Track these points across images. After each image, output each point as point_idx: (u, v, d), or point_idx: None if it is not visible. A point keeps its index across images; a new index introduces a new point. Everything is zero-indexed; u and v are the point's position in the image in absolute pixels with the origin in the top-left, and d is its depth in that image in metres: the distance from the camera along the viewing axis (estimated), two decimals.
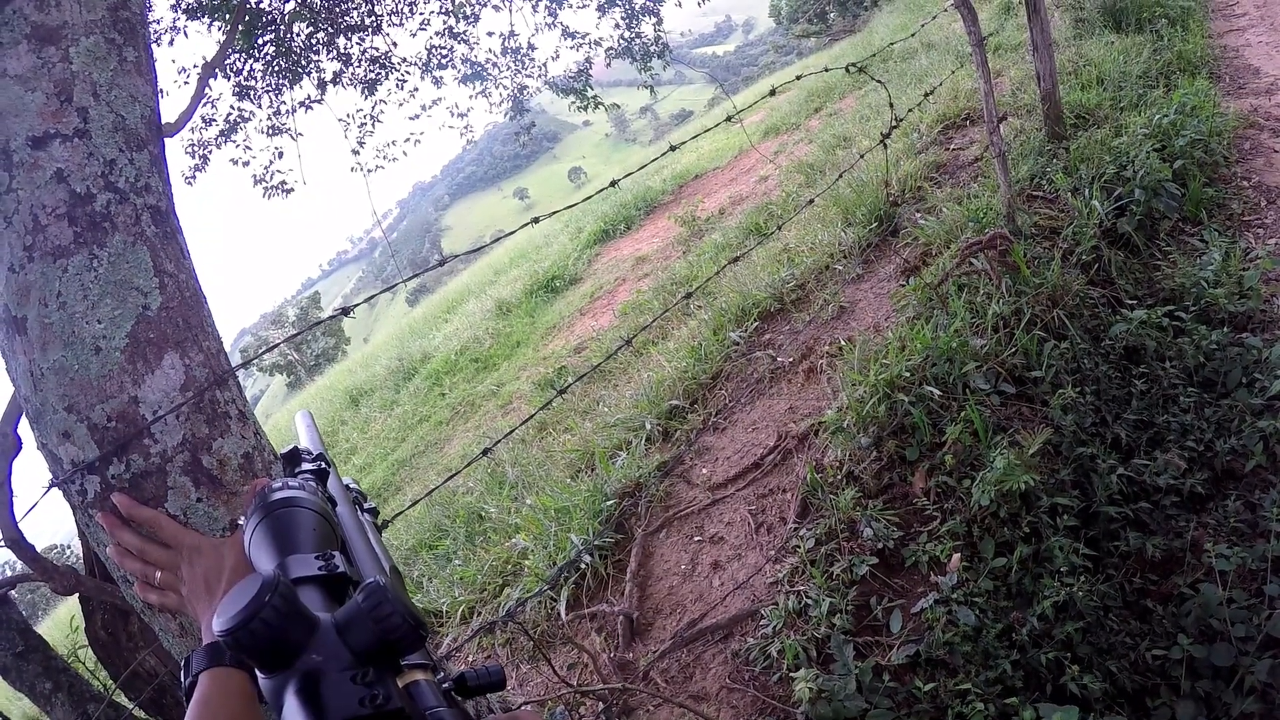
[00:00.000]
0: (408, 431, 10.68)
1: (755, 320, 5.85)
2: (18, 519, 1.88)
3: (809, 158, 10.20)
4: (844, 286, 5.69)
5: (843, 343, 4.78)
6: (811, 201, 5.66)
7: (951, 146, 7.34)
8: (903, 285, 5.08)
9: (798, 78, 4.01)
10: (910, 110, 6.18)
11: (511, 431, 3.58)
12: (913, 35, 7.00)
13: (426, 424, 10.40)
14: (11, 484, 1.87)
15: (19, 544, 1.90)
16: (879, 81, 4.13)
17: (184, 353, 1.42)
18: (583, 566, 4.17)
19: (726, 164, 14.41)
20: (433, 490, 3.03)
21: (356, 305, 2.25)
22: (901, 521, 3.47)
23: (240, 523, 1.09)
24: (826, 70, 4.36)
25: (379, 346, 20.05)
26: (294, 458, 1.27)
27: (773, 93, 3.77)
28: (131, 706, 2.47)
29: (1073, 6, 9.41)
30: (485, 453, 2.84)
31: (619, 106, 9.57)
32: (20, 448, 1.82)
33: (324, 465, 1.26)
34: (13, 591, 2.54)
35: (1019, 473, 3.22)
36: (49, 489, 1.48)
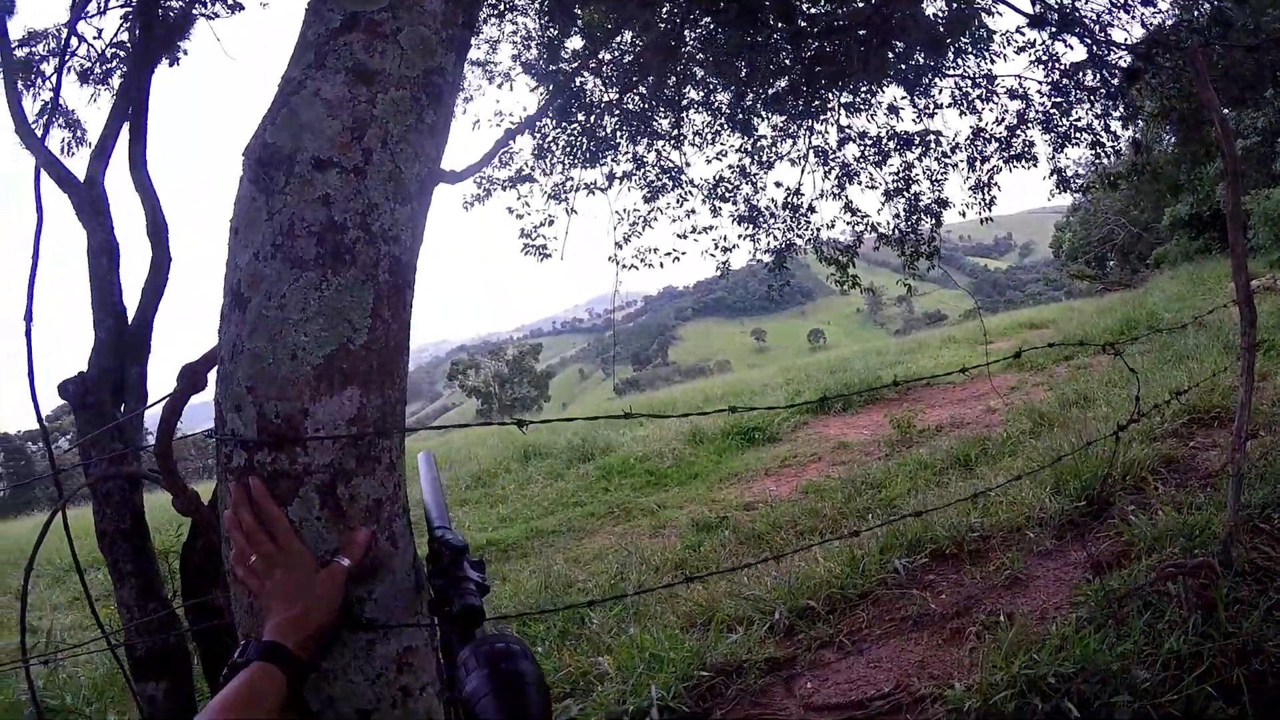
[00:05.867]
0: (559, 508, 10.77)
1: (926, 556, 5.58)
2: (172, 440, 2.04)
3: (1043, 405, 9.90)
4: (1028, 556, 5.36)
5: (1002, 618, 4.49)
6: (1019, 478, 5.43)
7: (1191, 444, 6.86)
8: (1088, 580, 4.75)
9: (1050, 345, 3.89)
10: (1156, 405, 5.85)
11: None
12: (1195, 319, 6.62)
13: (580, 509, 10.47)
14: (181, 413, 2.03)
15: (165, 458, 2.02)
16: (1132, 370, 3.95)
17: (366, 392, 1.50)
18: None
19: (960, 382, 14.05)
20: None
21: (554, 422, 2.31)
22: None
23: (339, 561, 1.42)
24: (1081, 344, 4.22)
25: (557, 420, 20.43)
26: (460, 555, 1.53)
27: (1018, 355, 3.65)
28: (185, 628, 2.57)
29: None
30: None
31: (874, 292, 9.62)
32: (203, 389, 1.97)
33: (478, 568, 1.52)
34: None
35: None
36: (209, 437, 1.60)
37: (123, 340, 3.00)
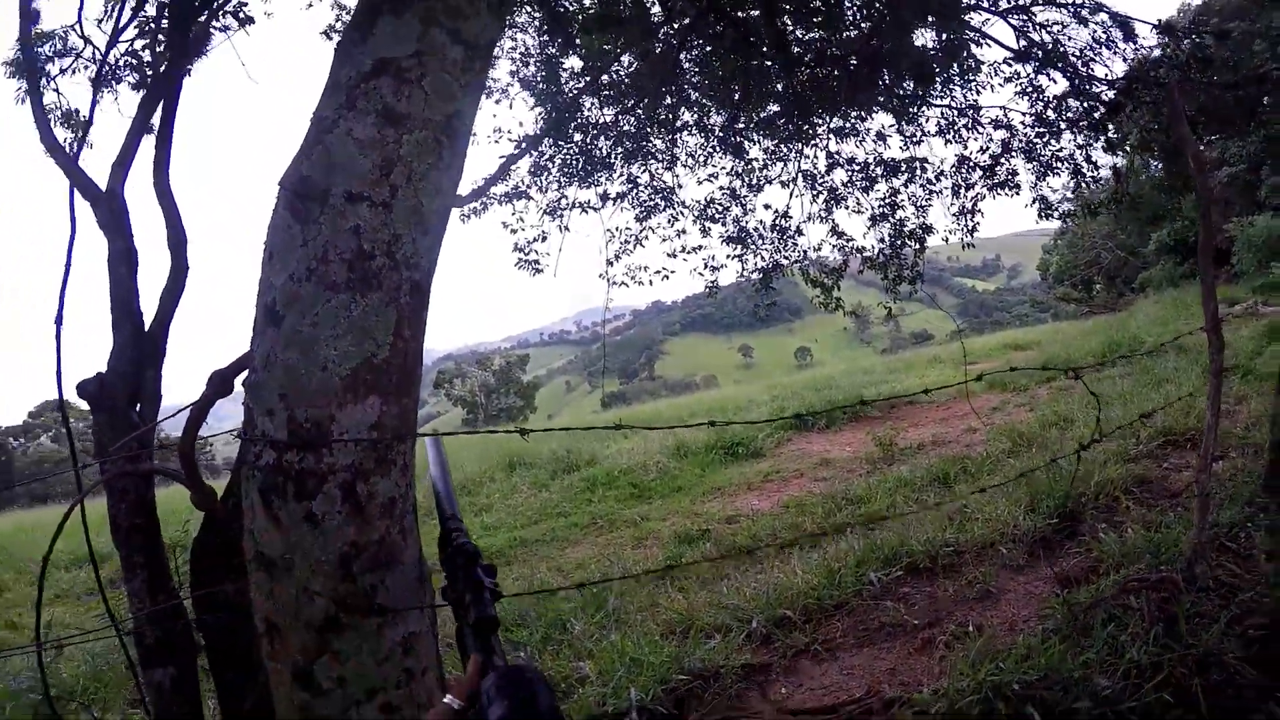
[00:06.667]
0: (543, 517, 10.86)
1: (901, 570, 5.74)
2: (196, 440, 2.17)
3: (1023, 426, 10.10)
4: (1000, 571, 5.53)
5: (971, 628, 4.66)
6: (982, 490, 5.61)
7: (1165, 465, 7.03)
8: (1056, 594, 4.91)
9: (1012, 369, 4.05)
10: (1119, 427, 6.05)
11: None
12: (1169, 341, 6.82)
13: (563, 520, 10.55)
14: (207, 415, 2.17)
15: (188, 458, 2.15)
16: (1094, 394, 4.12)
17: (386, 401, 1.68)
18: None
19: (944, 401, 14.22)
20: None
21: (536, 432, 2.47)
22: None
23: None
24: (1045, 369, 4.38)
25: (561, 429, 20.43)
26: (475, 561, 1.56)
27: (980, 378, 3.81)
28: (190, 616, 2.71)
29: None
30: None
31: (857, 315, 9.74)
32: (230, 393, 2.13)
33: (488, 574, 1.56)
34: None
35: None
36: (236, 436, 1.79)
37: (140, 345, 3.16)
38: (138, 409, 3.11)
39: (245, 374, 1.77)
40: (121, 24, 4.69)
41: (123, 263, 3.22)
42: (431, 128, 1.74)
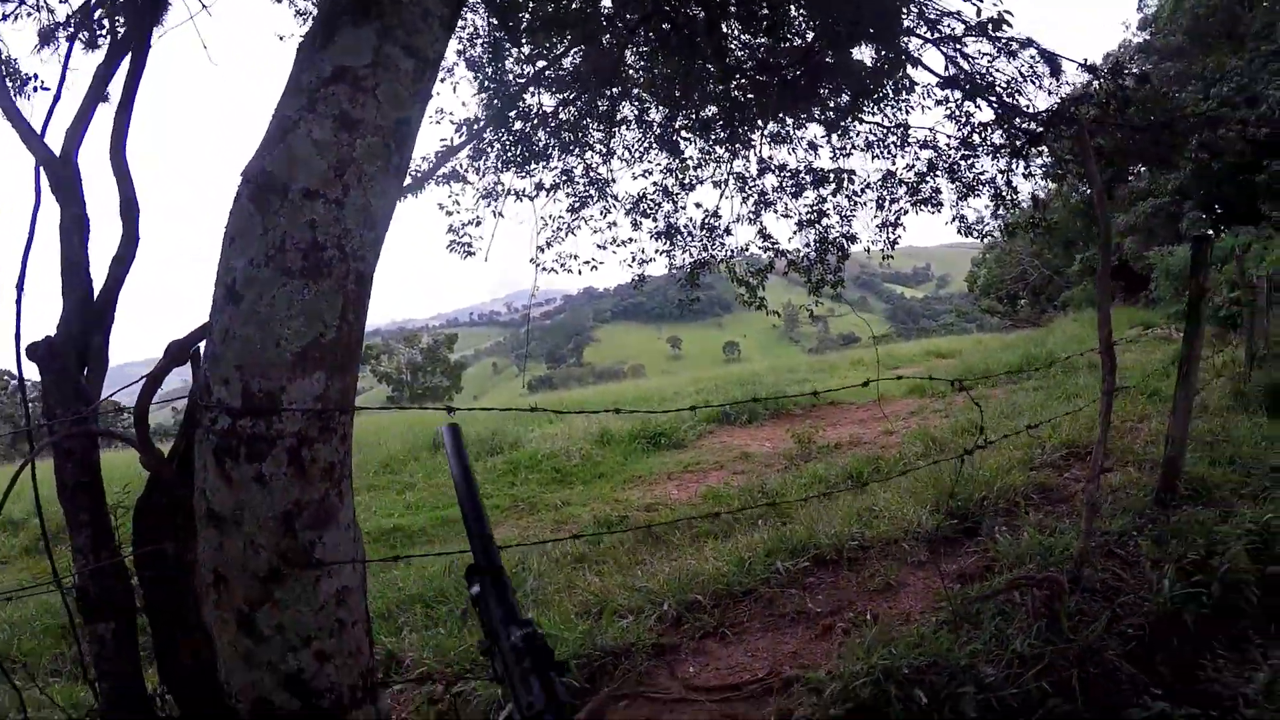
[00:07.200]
0: None
1: (808, 560, 5.99)
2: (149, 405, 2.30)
3: (937, 431, 10.48)
4: (902, 566, 5.80)
5: (869, 617, 4.92)
6: (866, 484, 5.87)
7: (1066, 475, 7.42)
8: (950, 588, 5.18)
9: (899, 377, 4.33)
10: (1006, 435, 6.42)
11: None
12: (1067, 358, 7.20)
13: (486, 501, 10.60)
14: (162, 382, 2.31)
15: (142, 421, 2.29)
16: (976, 405, 4.41)
17: (330, 376, 1.86)
18: None
19: (864, 402, 14.62)
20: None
21: (463, 411, 2.65)
22: None
23: None
24: (931, 379, 4.64)
25: (482, 410, 20.44)
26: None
27: (865, 384, 4.02)
28: (132, 577, 2.83)
29: (1238, 378, 9.50)
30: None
31: (780, 315, 9.97)
32: (185, 363, 2.27)
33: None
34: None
35: None
36: (190, 402, 1.97)
37: (88, 311, 3.24)
38: (85, 372, 3.19)
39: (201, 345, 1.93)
40: None
41: (74, 229, 3.29)
42: (382, 133, 1.92)
